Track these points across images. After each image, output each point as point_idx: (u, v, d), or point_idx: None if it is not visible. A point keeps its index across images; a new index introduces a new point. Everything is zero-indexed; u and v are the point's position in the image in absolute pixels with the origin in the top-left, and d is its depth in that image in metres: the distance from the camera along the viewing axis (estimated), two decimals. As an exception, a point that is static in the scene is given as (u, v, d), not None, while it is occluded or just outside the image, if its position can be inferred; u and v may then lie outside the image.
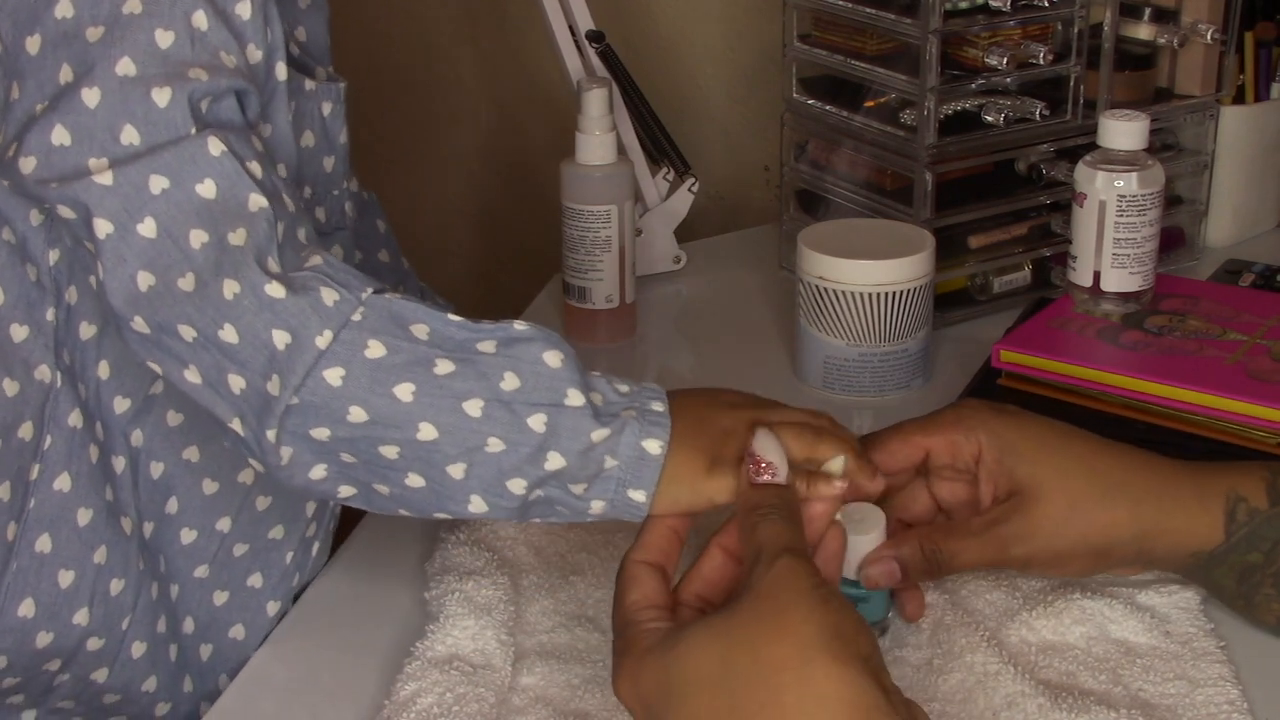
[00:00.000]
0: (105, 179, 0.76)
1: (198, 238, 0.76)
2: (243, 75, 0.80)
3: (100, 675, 0.89)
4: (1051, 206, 1.28)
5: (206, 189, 0.76)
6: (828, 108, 1.30)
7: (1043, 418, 0.88)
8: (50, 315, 0.85)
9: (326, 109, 0.92)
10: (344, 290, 0.78)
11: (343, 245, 0.97)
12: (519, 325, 0.80)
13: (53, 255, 0.84)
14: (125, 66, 0.77)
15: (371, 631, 0.90)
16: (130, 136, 0.76)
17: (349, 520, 1.01)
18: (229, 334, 0.76)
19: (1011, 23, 1.22)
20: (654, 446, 0.78)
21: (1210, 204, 1.38)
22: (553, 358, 0.78)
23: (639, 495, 0.78)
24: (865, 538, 0.82)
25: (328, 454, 0.78)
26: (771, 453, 0.77)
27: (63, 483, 0.85)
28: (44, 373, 0.85)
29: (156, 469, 0.90)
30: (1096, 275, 1.15)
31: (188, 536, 0.92)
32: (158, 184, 0.76)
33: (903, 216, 1.23)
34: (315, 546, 0.97)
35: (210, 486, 0.91)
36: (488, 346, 0.78)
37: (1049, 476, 0.85)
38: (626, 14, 1.58)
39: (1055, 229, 1.28)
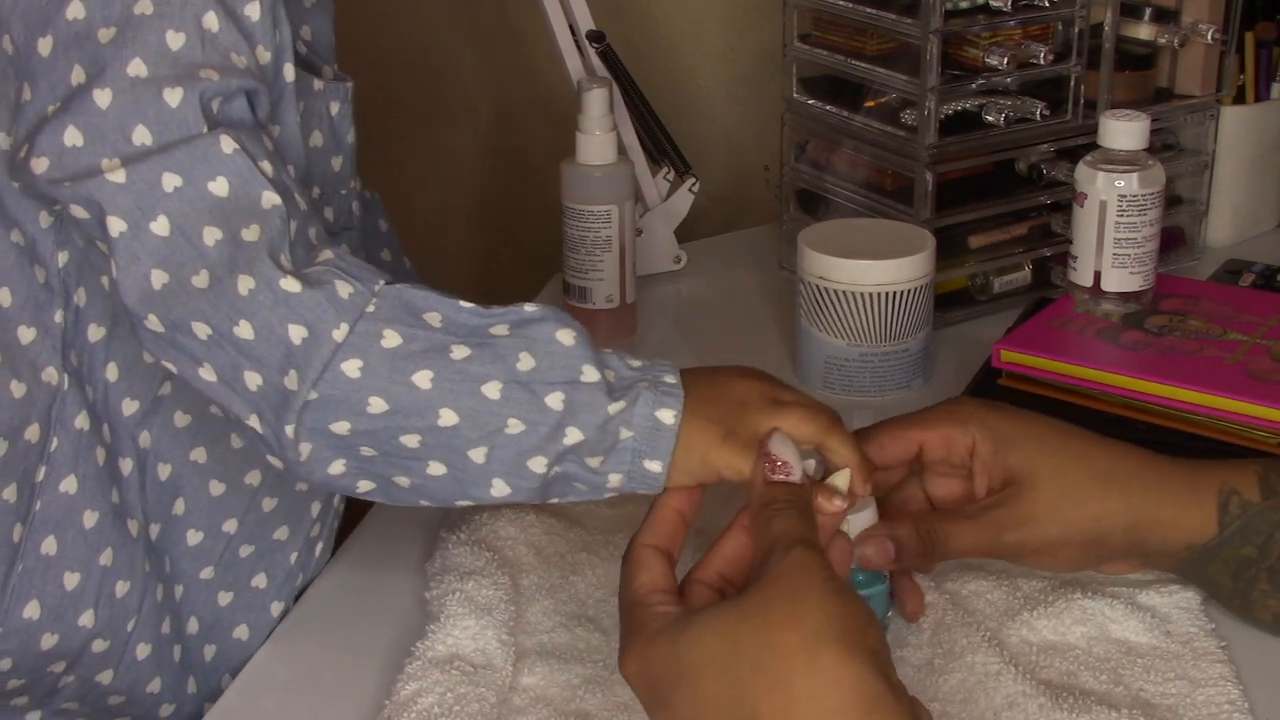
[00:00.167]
0: (118, 177, 0.76)
1: (211, 235, 0.76)
2: (253, 75, 0.80)
3: (105, 677, 0.89)
4: (1052, 206, 1.29)
5: (219, 187, 0.76)
6: (828, 108, 1.30)
7: (1036, 413, 0.89)
8: (59, 317, 0.85)
9: (334, 109, 0.92)
10: (357, 283, 0.78)
11: (350, 245, 0.97)
12: (529, 307, 0.80)
13: (62, 257, 0.84)
14: (136, 67, 0.77)
15: (372, 631, 0.90)
16: (142, 136, 0.76)
17: (350, 520, 1.01)
18: (244, 330, 0.76)
19: (1012, 23, 1.22)
20: (668, 416, 0.78)
21: (1210, 204, 1.38)
22: (566, 336, 0.79)
23: (655, 466, 0.79)
24: (859, 515, 0.83)
25: (347, 448, 0.78)
26: (788, 453, 0.77)
27: (69, 485, 0.85)
28: (51, 375, 0.85)
29: (164, 470, 0.90)
30: (1097, 275, 1.16)
31: (194, 538, 0.92)
32: (170, 182, 0.76)
33: (903, 216, 1.23)
34: (319, 547, 0.97)
35: (217, 488, 0.91)
36: (501, 329, 0.79)
37: (1043, 466, 0.85)
38: (626, 14, 1.58)
39: (1055, 229, 1.28)
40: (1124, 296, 1.16)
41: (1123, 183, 1.13)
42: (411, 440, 0.77)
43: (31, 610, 0.85)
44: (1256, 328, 1.13)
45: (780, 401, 0.81)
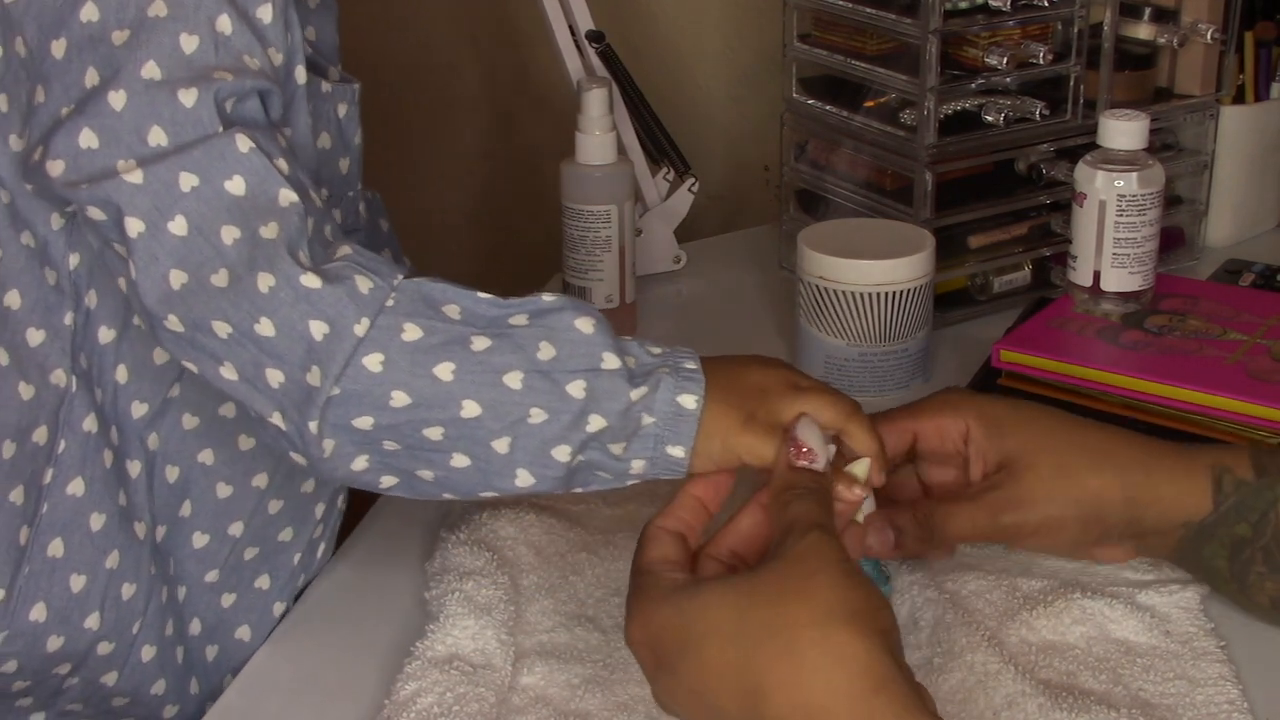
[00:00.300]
0: (135, 178, 0.76)
1: (229, 234, 0.76)
2: (266, 76, 0.80)
3: (110, 679, 0.89)
4: (1051, 206, 1.28)
5: (235, 185, 0.76)
6: (828, 108, 1.30)
7: (1028, 400, 0.89)
8: (69, 319, 0.85)
9: (342, 110, 0.92)
10: (376, 277, 0.78)
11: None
12: (547, 296, 0.81)
13: (73, 259, 0.84)
14: (150, 70, 0.77)
15: (372, 631, 0.90)
16: (158, 138, 0.76)
17: (350, 520, 1.01)
18: (265, 327, 0.76)
19: (1011, 22, 1.22)
20: (689, 401, 0.79)
21: (1210, 204, 1.38)
22: (585, 324, 0.79)
23: (678, 451, 0.79)
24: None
25: (370, 443, 0.78)
26: (813, 440, 0.78)
27: (76, 487, 0.85)
28: (60, 377, 0.85)
29: (172, 473, 0.90)
30: (1096, 275, 1.16)
31: (200, 540, 0.92)
32: (187, 181, 0.76)
33: (903, 216, 1.23)
34: (321, 548, 0.97)
35: (224, 490, 0.91)
36: (520, 319, 0.79)
37: (1037, 447, 0.86)
38: (626, 14, 1.58)
39: (1055, 229, 1.28)
40: (1124, 296, 1.16)
41: (1122, 183, 1.13)
42: (434, 433, 0.78)
43: (38, 612, 0.85)
44: (1256, 328, 1.13)
45: (801, 388, 0.82)
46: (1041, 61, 1.22)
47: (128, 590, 0.88)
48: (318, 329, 0.76)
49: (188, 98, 0.76)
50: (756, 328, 1.30)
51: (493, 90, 1.67)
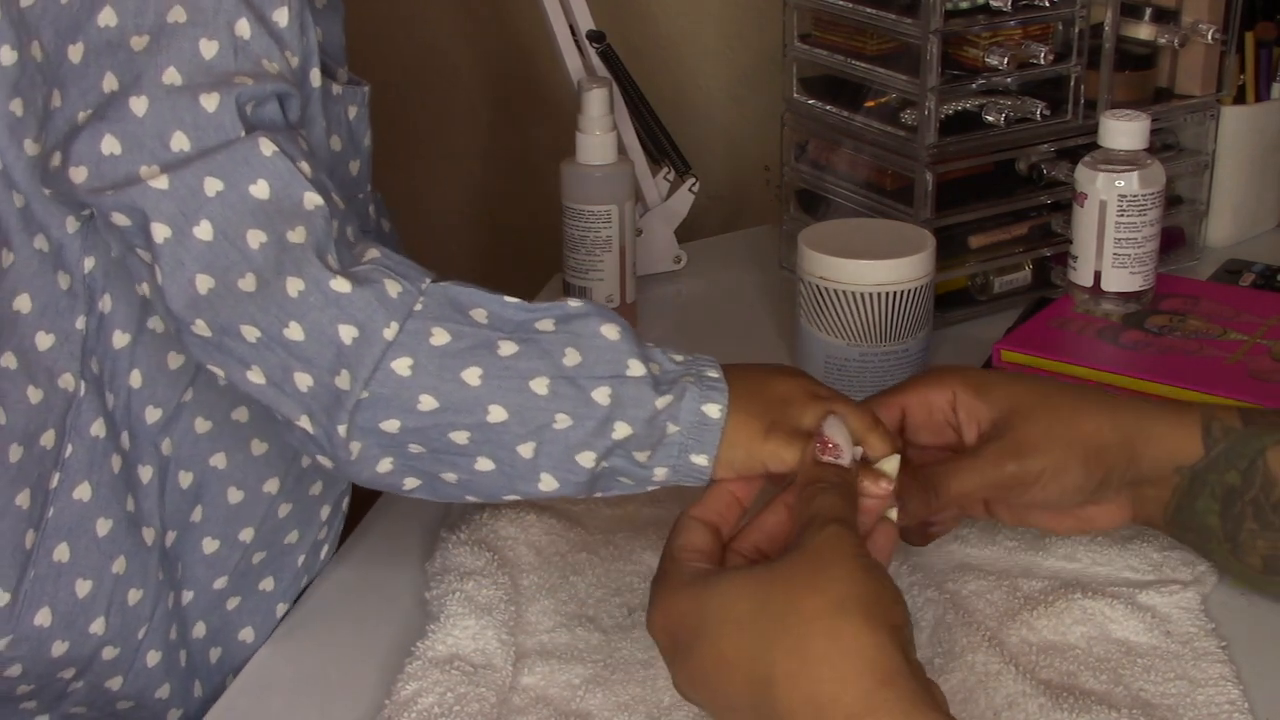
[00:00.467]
0: (161, 184, 0.76)
1: (255, 238, 0.76)
2: (285, 80, 0.80)
3: (114, 683, 0.89)
4: (1052, 206, 1.28)
5: (260, 189, 0.76)
6: (828, 108, 1.30)
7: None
8: (80, 323, 0.84)
9: (352, 112, 0.92)
10: (405, 281, 0.78)
11: None
12: (573, 302, 0.81)
13: (88, 262, 0.84)
14: (171, 76, 0.77)
15: (372, 631, 0.90)
16: (180, 143, 0.76)
17: (351, 520, 1.01)
18: (294, 332, 0.76)
19: (1012, 23, 1.22)
20: (714, 411, 0.79)
21: (1210, 204, 1.38)
22: (610, 330, 0.80)
23: (701, 459, 0.80)
24: None
25: (396, 446, 0.78)
26: (840, 437, 0.79)
27: (82, 492, 0.85)
28: (68, 381, 0.84)
29: (185, 478, 0.89)
30: (1097, 275, 1.16)
31: (210, 546, 0.91)
32: (212, 186, 0.76)
33: (903, 216, 1.23)
34: (324, 549, 0.97)
35: (236, 495, 0.91)
36: (546, 325, 0.79)
37: (1028, 399, 0.87)
38: (626, 14, 1.58)
39: (1056, 229, 1.28)
40: (1124, 296, 1.16)
41: (1123, 183, 1.13)
42: (460, 437, 0.78)
43: (43, 617, 0.85)
44: (1256, 328, 1.13)
45: (821, 397, 0.82)
46: (1042, 62, 1.22)
47: (134, 596, 0.88)
48: (347, 333, 0.76)
49: (209, 103, 0.76)
50: (756, 328, 1.30)
51: (493, 90, 1.67)
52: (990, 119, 1.23)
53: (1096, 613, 0.87)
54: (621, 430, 0.78)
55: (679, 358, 0.82)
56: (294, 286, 0.76)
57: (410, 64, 1.62)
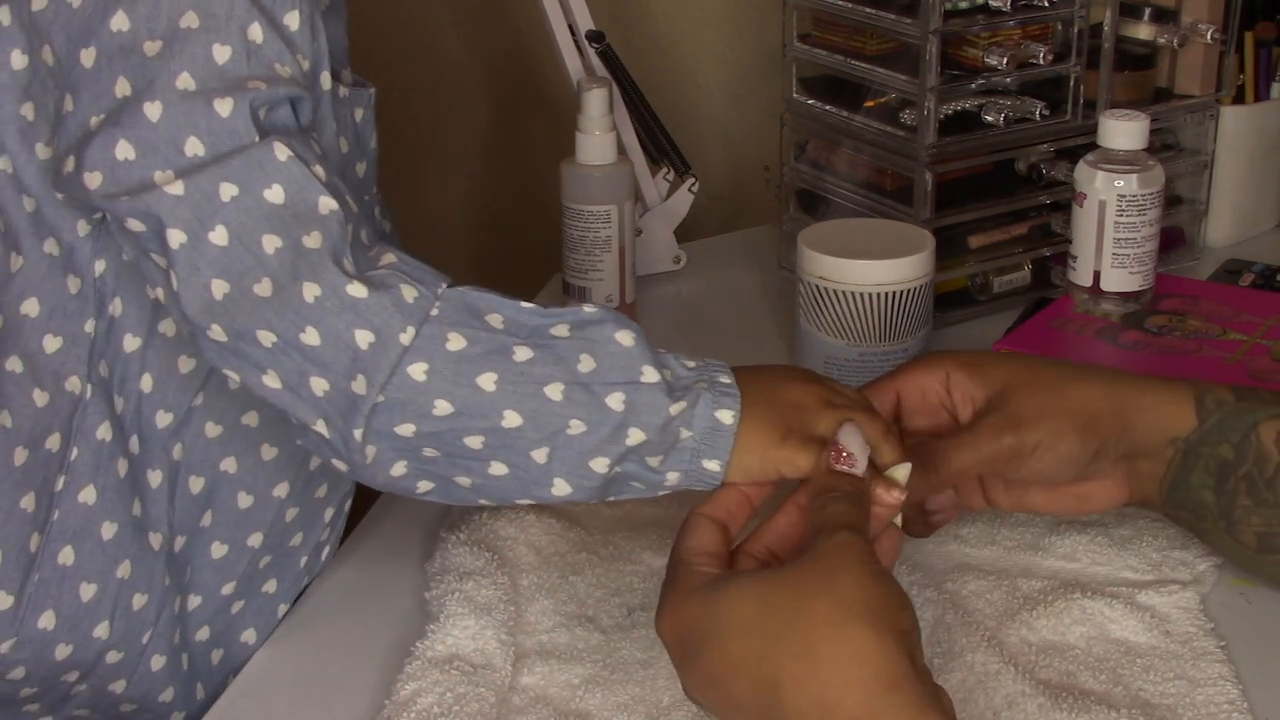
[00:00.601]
0: (176, 189, 0.76)
1: (270, 243, 0.76)
2: (297, 84, 0.80)
3: (118, 686, 0.89)
4: (1051, 206, 1.28)
5: (275, 194, 0.76)
6: (828, 108, 1.30)
7: None
8: (89, 327, 0.84)
9: (358, 115, 0.92)
10: (421, 286, 0.78)
11: None
12: (588, 308, 0.81)
13: (99, 266, 0.84)
14: (185, 81, 0.77)
15: (372, 631, 0.90)
16: (195, 148, 0.76)
17: (351, 520, 1.01)
18: (311, 336, 0.76)
19: (1011, 23, 1.22)
20: (727, 417, 0.79)
21: (1210, 204, 1.38)
22: (625, 337, 0.80)
23: (713, 465, 0.80)
24: None
25: (410, 450, 0.78)
26: (855, 445, 0.79)
27: (88, 495, 0.85)
28: (74, 384, 0.84)
29: (196, 483, 0.89)
30: (1096, 275, 1.16)
31: (219, 551, 0.91)
32: (227, 191, 0.76)
33: (903, 216, 1.23)
34: (326, 550, 0.97)
35: (245, 500, 0.91)
36: (561, 330, 0.80)
37: (1021, 374, 0.87)
38: (626, 14, 1.58)
39: (1055, 229, 1.28)
40: (1124, 296, 1.16)
41: (1122, 183, 1.13)
42: (475, 441, 0.78)
43: (46, 620, 0.85)
44: (1256, 328, 1.13)
45: (836, 405, 0.82)
46: (1041, 62, 1.22)
47: (139, 601, 0.88)
48: (363, 338, 0.76)
49: (223, 108, 0.76)
50: (756, 328, 1.30)
51: (493, 90, 1.67)
52: (990, 119, 1.23)
53: (1096, 613, 0.87)
54: (635, 436, 0.78)
55: (691, 363, 0.82)
56: (310, 291, 0.76)
57: (410, 64, 1.63)
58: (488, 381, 0.77)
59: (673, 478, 0.81)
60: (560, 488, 0.80)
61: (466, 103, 1.67)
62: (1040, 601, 0.88)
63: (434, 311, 0.78)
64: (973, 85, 1.22)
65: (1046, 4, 1.21)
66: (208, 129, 0.76)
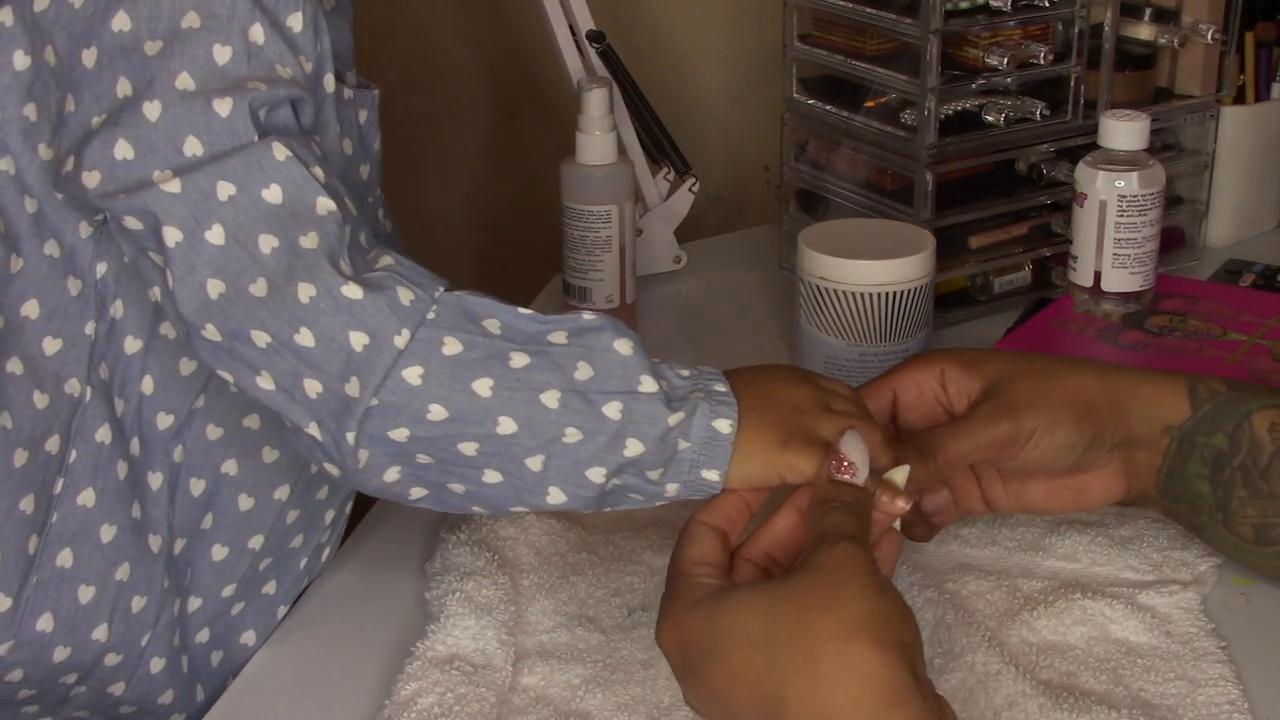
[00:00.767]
0: (173, 187, 0.75)
1: (267, 243, 0.76)
2: (298, 85, 0.80)
3: (117, 688, 0.89)
4: (1052, 206, 1.29)
5: (273, 194, 0.76)
6: (828, 108, 1.30)
7: None
8: (89, 329, 0.84)
9: (363, 116, 0.92)
10: (418, 289, 0.78)
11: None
12: (587, 316, 0.80)
13: (100, 268, 0.84)
14: (184, 81, 0.77)
15: (372, 631, 0.90)
16: (193, 148, 0.76)
17: (351, 521, 1.01)
18: (305, 338, 0.76)
19: (1012, 23, 1.22)
20: (724, 426, 0.79)
21: (1210, 204, 1.38)
22: (623, 345, 0.79)
23: (712, 475, 0.79)
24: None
25: (404, 455, 0.78)
26: (856, 455, 0.79)
27: (86, 498, 0.85)
28: (74, 386, 0.84)
29: (197, 486, 0.89)
30: (1097, 275, 1.16)
31: (219, 553, 0.91)
32: (225, 191, 0.76)
33: (903, 216, 1.23)
34: (326, 552, 0.97)
35: (246, 502, 0.91)
36: (559, 337, 0.79)
37: (1016, 365, 0.88)
38: (626, 14, 1.58)
39: (1055, 229, 1.28)
40: (1124, 296, 1.16)
41: (1123, 183, 1.13)
42: (469, 448, 0.77)
43: (45, 623, 0.85)
44: (1256, 328, 1.13)
45: (834, 411, 0.82)
46: (1042, 62, 1.22)
47: (138, 603, 0.87)
48: (358, 340, 0.76)
49: (223, 107, 0.76)
50: (756, 328, 1.30)
51: (493, 90, 1.67)
52: (990, 119, 1.23)
53: (1096, 613, 0.87)
54: (634, 448, 0.78)
55: (685, 372, 0.81)
56: (305, 292, 0.76)
57: (410, 64, 1.63)
58: (483, 387, 0.77)
59: (672, 489, 0.80)
60: (555, 496, 0.79)
61: (467, 103, 1.67)
62: (1041, 602, 0.88)
63: (430, 315, 0.77)
64: (973, 85, 1.22)
65: (1047, 4, 1.21)
66: (207, 129, 0.76)
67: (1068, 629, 0.86)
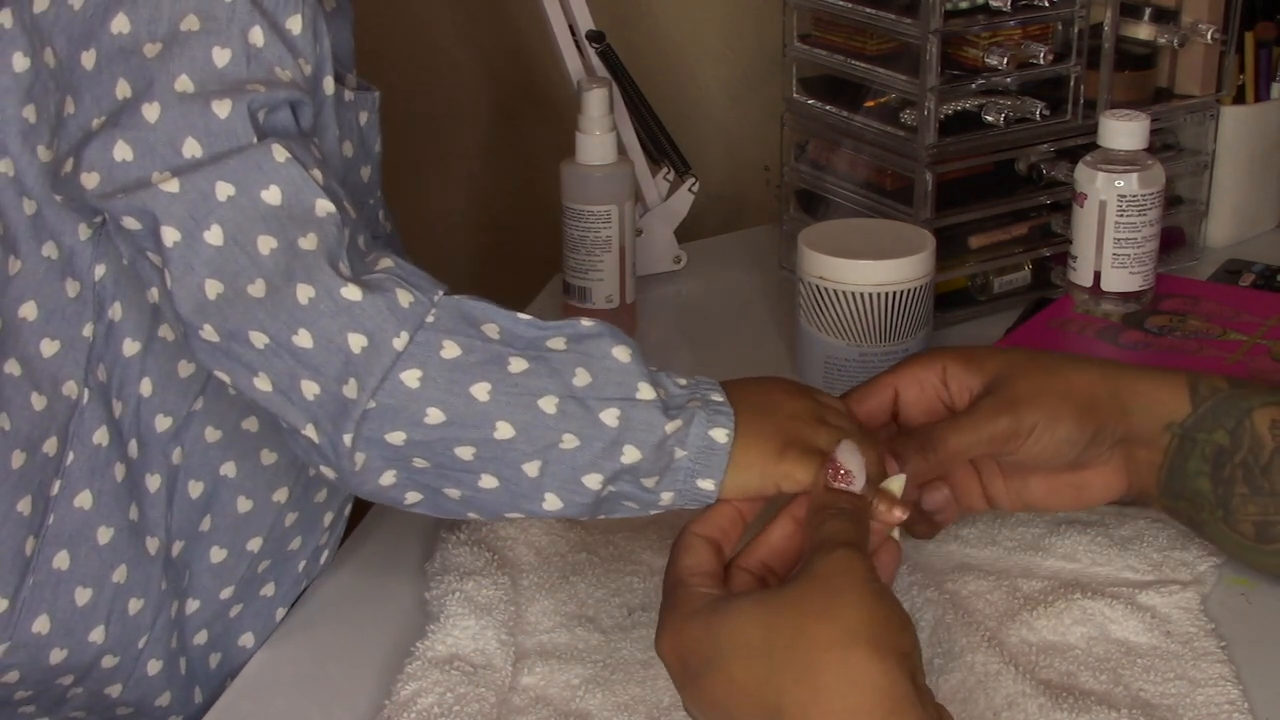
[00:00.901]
0: (172, 187, 0.75)
1: (265, 244, 0.76)
2: (298, 87, 0.80)
3: (114, 690, 0.89)
4: (1052, 206, 1.29)
5: (272, 195, 0.76)
6: (828, 108, 1.30)
7: None
8: (87, 331, 0.84)
9: (363, 118, 0.92)
10: (418, 292, 0.77)
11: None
12: (585, 322, 0.80)
13: (99, 270, 0.84)
14: (184, 84, 0.77)
15: (372, 631, 0.90)
16: (192, 149, 0.76)
17: (351, 521, 1.01)
18: (303, 339, 0.75)
19: (1011, 23, 1.22)
20: (721, 435, 0.79)
21: (1210, 204, 1.38)
22: (621, 352, 0.79)
23: (707, 484, 0.79)
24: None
25: (400, 459, 0.77)
26: (853, 463, 0.78)
27: (83, 500, 0.85)
28: (71, 388, 0.84)
29: (196, 488, 0.89)
30: (1097, 275, 1.16)
31: (217, 555, 0.91)
32: (223, 191, 0.75)
33: (903, 216, 1.23)
34: (325, 554, 0.97)
35: (245, 504, 0.91)
36: (557, 343, 0.79)
37: (1018, 361, 0.88)
38: (626, 14, 1.58)
39: (1055, 229, 1.28)
40: (1124, 296, 1.16)
41: (1123, 183, 1.13)
42: (466, 452, 0.77)
43: (41, 624, 0.85)
44: (1256, 328, 1.13)
45: (830, 424, 0.82)
46: (1042, 62, 1.22)
47: (135, 605, 0.87)
48: (356, 342, 0.75)
49: (221, 109, 0.76)
50: (756, 328, 1.30)
51: (493, 91, 1.67)
52: (990, 119, 1.23)
53: (1096, 613, 0.87)
54: (631, 455, 0.78)
55: (683, 381, 0.81)
56: (304, 293, 0.75)
57: (410, 64, 1.62)
58: (481, 391, 0.77)
59: (667, 497, 0.80)
60: (551, 502, 0.79)
61: (467, 103, 1.67)
62: (1041, 602, 0.88)
63: (429, 318, 0.77)
64: (973, 85, 1.22)
65: (1047, 4, 1.21)
66: (205, 130, 0.76)
67: (1067, 629, 0.86)
